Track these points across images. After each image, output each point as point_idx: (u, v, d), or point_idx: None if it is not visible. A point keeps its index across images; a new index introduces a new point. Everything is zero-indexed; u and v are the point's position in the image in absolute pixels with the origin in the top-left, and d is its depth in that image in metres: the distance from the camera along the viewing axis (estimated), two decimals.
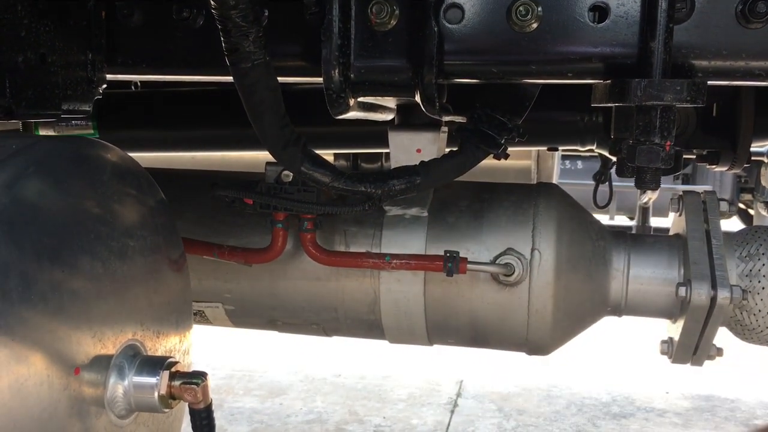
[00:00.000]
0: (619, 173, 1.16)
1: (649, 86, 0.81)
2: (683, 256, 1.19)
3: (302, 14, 0.95)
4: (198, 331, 1.10)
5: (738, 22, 0.84)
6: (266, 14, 0.94)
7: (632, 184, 0.93)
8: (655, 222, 4.27)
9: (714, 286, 1.11)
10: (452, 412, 2.85)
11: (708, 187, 5.33)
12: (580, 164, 5.81)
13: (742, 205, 5.74)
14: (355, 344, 2.12)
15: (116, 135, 1.68)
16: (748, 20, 0.83)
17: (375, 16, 0.90)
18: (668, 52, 0.83)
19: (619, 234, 1.27)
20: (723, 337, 1.20)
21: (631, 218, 5.48)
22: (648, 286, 1.21)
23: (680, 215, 1.26)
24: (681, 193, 1.29)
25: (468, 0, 0.88)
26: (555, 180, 2.42)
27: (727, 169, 1.51)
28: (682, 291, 1.13)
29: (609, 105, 0.90)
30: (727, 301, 1.11)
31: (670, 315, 1.23)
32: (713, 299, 1.11)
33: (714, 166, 1.48)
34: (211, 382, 0.83)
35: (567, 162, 5.66)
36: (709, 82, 0.86)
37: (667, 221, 4.32)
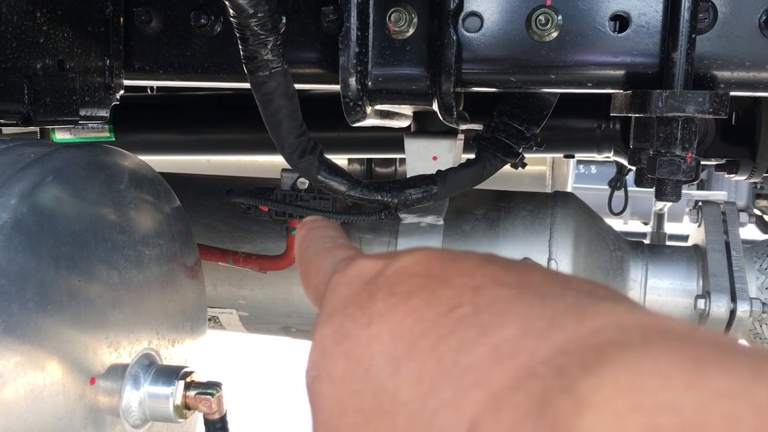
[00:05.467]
0: (638, 184, 1.15)
1: (671, 98, 0.80)
2: (702, 268, 1.18)
3: (320, 22, 0.95)
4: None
5: (761, 33, 0.83)
6: (284, 22, 0.94)
7: (647, 189, 0.91)
8: (670, 228, 4.24)
9: (733, 299, 1.10)
10: None
11: (723, 194, 5.29)
12: (594, 169, 5.79)
13: (757, 212, 5.69)
14: None
15: (132, 138, 1.68)
16: None
17: (393, 25, 0.89)
18: (690, 63, 0.82)
19: (636, 244, 1.26)
20: None
21: (646, 224, 5.45)
22: (666, 298, 1.20)
23: (699, 226, 1.25)
24: (700, 203, 1.28)
25: (487, 8, 0.88)
26: (569, 186, 2.41)
27: (746, 179, 1.49)
28: (701, 303, 1.11)
29: (629, 115, 0.89)
30: (746, 314, 1.09)
31: None
32: (732, 312, 1.10)
33: (733, 175, 1.46)
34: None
35: (581, 167, 5.64)
36: (731, 93, 0.85)
37: (682, 227, 4.29)
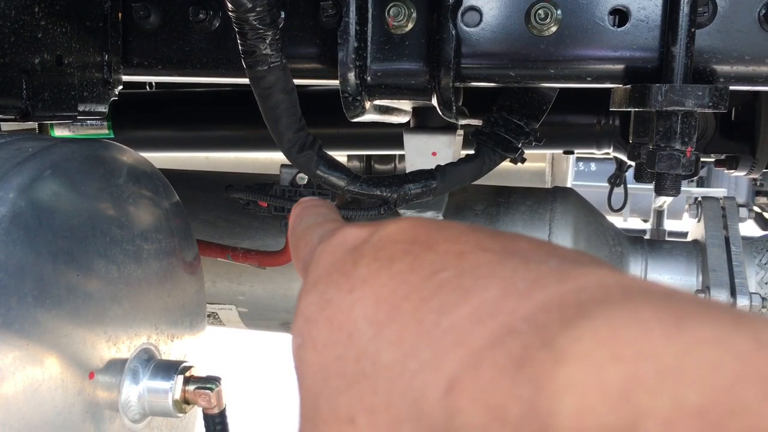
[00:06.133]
0: (638, 178, 1.14)
1: (671, 91, 0.80)
2: (702, 263, 1.18)
3: (318, 17, 0.95)
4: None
5: (761, 27, 0.83)
6: (283, 17, 0.94)
7: (647, 186, 0.91)
8: (670, 225, 4.24)
9: (733, 294, 1.10)
10: None
11: (723, 191, 5.30)
12: (593, 166, 5.79)
13: (757, 209, 5.70)
14: None
15: (131, 134, 1.68)
16: None
17: (392, 19, 0.89)
18: (690, 57, 0.82)
19: (636, 239, 1.26)
20: None
21: (646, 221, 5.46)
22: None
23: (699, 221, 1.25)
24: (699, 198, 1.27)
25: (486, 3, 0.88)
26: (569, 183, 2.41)
27: (746, 174, 1.49)
28: (701, 298, 1.11)
29: (628, 110, 0.89)
30: (746, 309, 1.09)
31: None
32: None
33: (733, 171, 1.46)
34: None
35: (580, 164, 5.64)
36: (731, 88, 0.85)
37: (682, 224, 4.29)
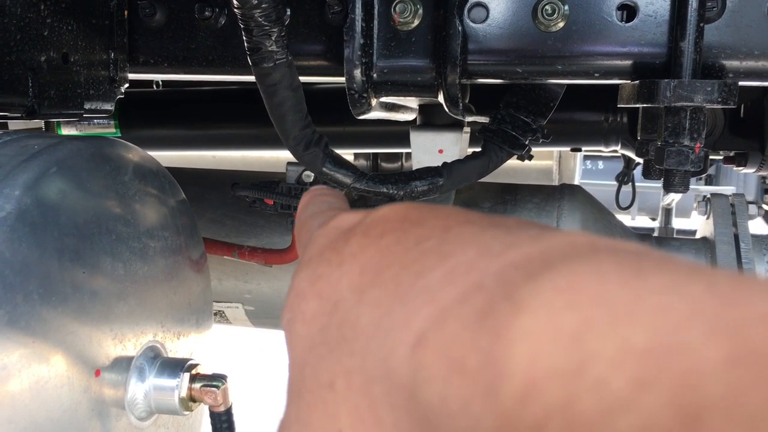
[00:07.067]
0: (646, 175, 1.14)
1: (679, 87, 0.79)
2: (710, 260, 1.17)
3: (324, 13, 0.95)
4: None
5: None
6: (288, 13, 0.93)
7: (655, 184, 0.91)
8: (678, 223, 4.22)
9: None
10: None
11: (732, 189, 5.27)
12: (601, 164, 5.77)
13: (766, 206, 5.66)
14: None
15: (138, 134, 1.68)
16: None
17: (398, 16, 0.89)
18: (698, 52, 0.81)
19: (644, 237, 1.25)
20: None
21: (654, 219, 5.43)
22: None
23: (708, 218, 1.24)
24: (708, 195, 1.26)
25: None
26: (576, 181, 2.40)
27: (755, 171, 1.48)
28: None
29: (636, 106, 0.88)
30: None
31: None
32: None
33: (742, 168, 1.45)
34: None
35: (588, 162, 5.62)
36: (740, 83, 0.84)
37: (690, 222, 4.27)
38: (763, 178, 5.29)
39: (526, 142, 1.02)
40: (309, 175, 1.15)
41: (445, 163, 1.02)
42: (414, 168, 1.13)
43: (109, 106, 1.01)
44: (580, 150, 1.97)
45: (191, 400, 0.79)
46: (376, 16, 0.90)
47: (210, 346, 0.97)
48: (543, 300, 0.21)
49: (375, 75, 0.91)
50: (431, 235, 0.29)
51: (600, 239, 0.25)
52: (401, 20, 0.89)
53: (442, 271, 0.26)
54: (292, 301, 0.32)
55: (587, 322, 0.20)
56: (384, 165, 2.03)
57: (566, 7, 0.85)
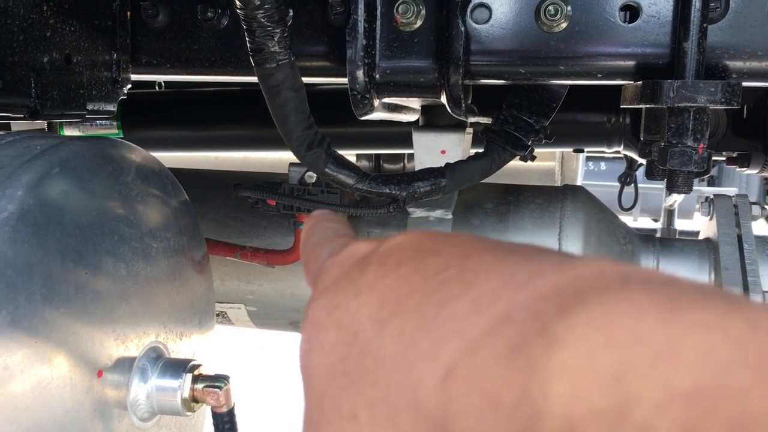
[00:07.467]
0: (649, 176, 1.14)
1: (682, 87, 0.79)
2: (714, 261, 1.17)
3: (327, 14, 0.95)
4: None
5: None
6: (291, 14, 0.93)
7: (657, 185, 0.91)
8: (681, 224, 4.21)
9: (746, 292, 1.09)
10: None
11: (734, 190, 5.26)
12: (603, 165, 5.76)
13: None
14: None
15: (140, 134, 1.68)
16: None
17: (401, 16, 0.89)
18: (702, 53, 0.81)
19: (647, 238, 1.25)
20: None
21: (656, 220, 5.42)
22: None
23: (711, 219, 1.24)
24: (711, 196, 1.26)
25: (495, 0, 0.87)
26: (579, 182, 2.40)
27: (758, 172, 1.48)
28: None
29: (639, 107, 0.88)
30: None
31: None
32: None
33: (745, 169, 1.45)
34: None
35: (590, 163, 5.62)
36: (743, 84, 0.84)
37: (693, 223, 4.26)
38: (766, 179, 5.28)
39: (529, 143, 1.02)
40: (311, 176, 1.15)
41: (447, 164, 1.02)
42: (416, 169, 1.13)
43: (112, 107, 1.01)
44: (582, 151, 1.97)
45: (194, 400, 0.79)
46: (378, 16, 0.90)
47: (212, 346, 0.97)
48: (578, 336, 0.21)
49: (377, 76, 0.91)
50: (450, 263, 0.28)
51: (628, 267, 0.24)
52: (404, 21, 0.89)
53: (466, 301, 0.25)
54: (310, 332, 0.32)
55: (627, 361, 0.19)
56: (386, 166, 2.03)
57: (569, 8, 0.84)
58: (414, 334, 0.26)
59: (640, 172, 2.13)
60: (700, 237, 1.31)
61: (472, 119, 1.01)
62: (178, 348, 0.85)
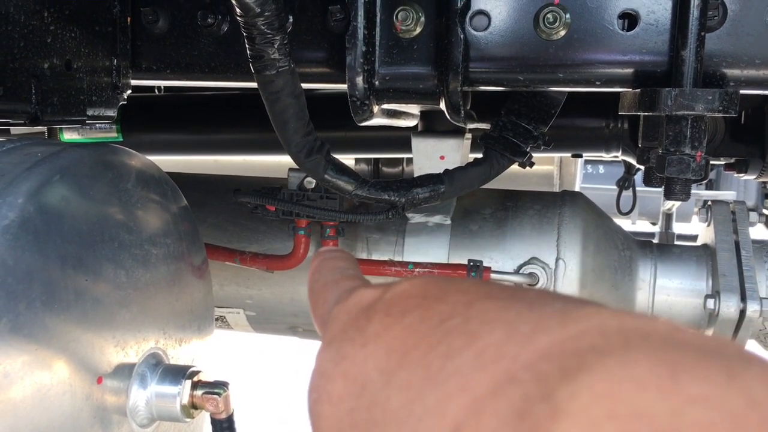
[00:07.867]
0: (647, 183, 1.14)
1: (680, 96, 0.80)
2: (711, 268, 1.17)
3: (327, 21, 0.95)
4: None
5: None
6: (291, 21, 0.94)
7: (656, 189, 0.91)
8: (679, 228, 4.22)
9: (743, 299, 1.09)
10: None
11: (732, 194, 5.27)
12: (601, 169, 5.77)
13: (766, 212, 5.65)
14: None
15: (140, 138, 1.69)
16: None
17: (400, 23, 0.89)
18: (700, 61, 0.81)
19: (645, 244, 1.25)
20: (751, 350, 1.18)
21: (654, 224, 5.43)
22: (675, 298, 1.19)
23: (708, 225, 1.24)
24: (709, 202, 1.27)
25: (495, 7, 0.87)
26: (577, 185, 2.40)
27: (755, 178, 1.48)
28: (711, 303, 1.10)
29: (637, 114, 0.88)
30: (756, 314, 1.08)
31: (698, 327, 1.21)
32: (742, 312, 1.09)
33: (742, 174, 1.45)
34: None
35: (588, 167, 5.62)
36: (741, 91, 0.84)
37: (691, 227, 4.26)
38: (764, 184, 5.28)
39: (528, 149, 1.03)
40: (311, 182, 1.15)
41: (446, 170, 1.02)
42: (415, 174, 1.13)
43: (112, 113, 1.01)
44: (581, 156, 1.97)
45: (193, 407, 0.79)
46: (378, 23, 0.90)
47: (211, 352, 0.97)
48: (581, 406, 0.21)
49: (377, 82, 0.91)
50: (454, 312, 0.29)
51: (627, 320, 0.25)
52: (403, 28, 0.89)
53: (471, 354, 0.26)
54: (317, 382, 0.33)
55: None
56: (385, 169, 2.03)
57: (568, 16, 0.85)
58: (421, 387, 0.27)
59: (638, 176, 2.13)
60: (698, 243, 1.32)
61: (471, 125, 1.02)
62: (177, 354, 0.86)
